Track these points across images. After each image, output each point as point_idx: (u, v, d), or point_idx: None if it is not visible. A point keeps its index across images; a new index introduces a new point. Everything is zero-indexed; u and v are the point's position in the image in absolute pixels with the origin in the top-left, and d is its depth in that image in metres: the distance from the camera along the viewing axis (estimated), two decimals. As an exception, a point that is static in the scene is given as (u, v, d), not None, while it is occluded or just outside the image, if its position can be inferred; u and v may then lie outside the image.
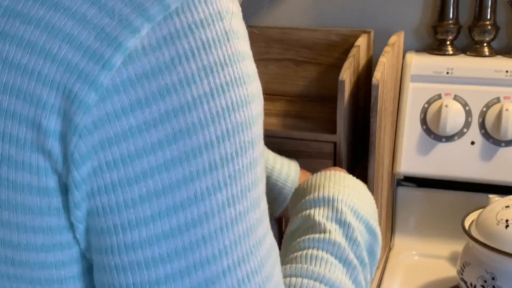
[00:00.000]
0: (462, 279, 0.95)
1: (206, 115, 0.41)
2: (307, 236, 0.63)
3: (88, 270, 0.46)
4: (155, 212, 0.41)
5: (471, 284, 0.93)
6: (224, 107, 0.42)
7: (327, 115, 1.14)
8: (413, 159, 1.12)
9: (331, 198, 0.67)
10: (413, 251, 1.16)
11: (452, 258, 1.10)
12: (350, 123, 1.06)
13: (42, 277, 0.45)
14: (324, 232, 0.63)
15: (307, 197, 0.69)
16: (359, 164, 1.13)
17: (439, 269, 1.09)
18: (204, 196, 0.42)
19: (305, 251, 0.61)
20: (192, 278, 0.42)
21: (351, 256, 0.62)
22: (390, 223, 1.19)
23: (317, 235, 0.62)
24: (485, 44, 1.15)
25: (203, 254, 0.42)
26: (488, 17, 1.15)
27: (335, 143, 1.03)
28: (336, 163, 1.03)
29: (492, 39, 1.15)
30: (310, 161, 1.04)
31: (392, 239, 1.19)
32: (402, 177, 1.18)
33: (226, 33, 0.43)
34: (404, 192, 1.19)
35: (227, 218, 0.43)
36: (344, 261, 0.61)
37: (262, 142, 0.47)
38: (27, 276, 0.45)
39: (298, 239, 0.63)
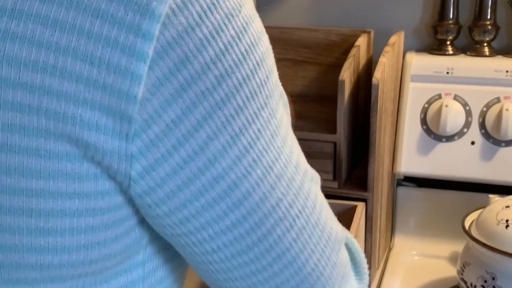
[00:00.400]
0: (462, 279, 0.95)
1: (238, 57, 0.45)
2: None
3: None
4: (220, 148, 0.46)
5: (471, 284, 0.93)
6: (249, 43, 0.47)
7: (327, 115, 1.14)
8: (413, 159, 1.12)
9: None
10: (413, 251, 1.16)
11: (452, 258, 1.10)
12: (350, 123, 1.06)
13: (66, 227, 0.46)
14: None
15: None
16: (359, 164, 1.13)
17: (439, 269, 1.09)
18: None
19: None
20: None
21: None
22: (390, 223, 1.19)
23: None
24: (485, 44, 1.15)
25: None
26: (488, 17, 1.14)
27: (335, 143, 1.03)
28: (336, 163, 1.03)
29: (492, 39, 1.15)
30: (310, 161, 1.04)
31: (392, 239, 1.19)
32: (402, 177, 1.18)
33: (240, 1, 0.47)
34: (404, 192, 1.19)
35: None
36: None
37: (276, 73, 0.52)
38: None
39: None
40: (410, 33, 1.23)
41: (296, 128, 1.08)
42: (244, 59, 0.46)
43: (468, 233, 0.94)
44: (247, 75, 0.46)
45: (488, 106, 1.09)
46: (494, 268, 0.90)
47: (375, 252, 1.05)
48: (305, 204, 0.52)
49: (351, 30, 1.22)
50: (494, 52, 1.15)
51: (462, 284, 0.95)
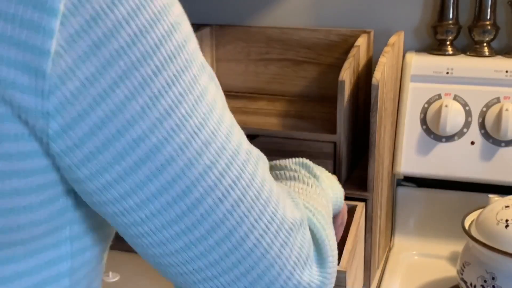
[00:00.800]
0: (462, 279, 0.95)
1: (152, 17, 0.46)
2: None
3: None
4: (138, 110, 0.46)
5: (471, 284, 0.93)
6: (161, 9, 0.47)
7: (327, 115, 1.14)
8: (413, 159, 1.13)
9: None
10: (413, 251, 1.16)
11: (452, 258, 1.10)
12: (350, 123, 1.06)
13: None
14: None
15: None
16: (359, 164, 1.13)
17: (439, 269, 1.09)
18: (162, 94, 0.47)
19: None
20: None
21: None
22: (390, 223, 1.19)
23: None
24: (485, 44, 1.15)
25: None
26: (488, 17, 1.15)
27: (335, 143, 1.03)
28: (336, 163, 1.03)
29: (492, 39, 1.15)
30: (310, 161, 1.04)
31: (392, 239, 1.20)
32: (402, 177, 1.18)
33: None
34: (404, 192, 1.20)
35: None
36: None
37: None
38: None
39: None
40: (410, 33, 1.23)
41: (296, 128, 1.08)
42: (158, 20, 0.46)
43: (468, 233, 0.95)
44: (163, 36, 0.47)
45: (488, 106, 1.09)
46: (494, 268, 0.91)
47: (375, 252, 1.05)
48: (241, 175, 0.51)
49: (351, 30, 1.22)
50: (494, 52, 1.15)
51: (462, 284, 0.95)
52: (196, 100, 0.49)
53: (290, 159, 0.74)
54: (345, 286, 0.82)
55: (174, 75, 0.47)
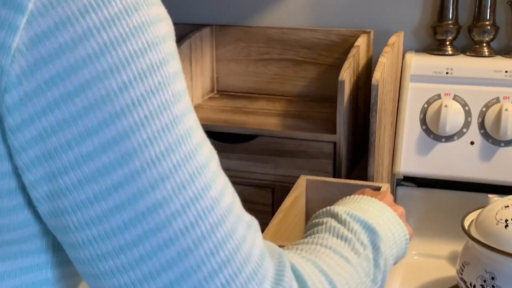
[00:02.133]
0: (462, 279, 0.95)
1: (125, 30, 0.44)
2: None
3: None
4: (95, 123, 0.44)
5: (470, 284, 0.93)
6: (141, 21, 0.45)
7: (327, 115, 1.14)
8: (412, 159, 1.13)
9: (333, 210, 0.69)
10: (413, 250, 1.16)
11: (452, 258, 1.10)
12: (350, 123, 1.06)
13: None
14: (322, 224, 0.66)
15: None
16: (359, 164, 1.13)
17: (438, 268, 1.09)
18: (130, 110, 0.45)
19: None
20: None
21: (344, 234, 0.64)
22: (390, 223, 1.19)
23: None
24: (484, 44, 1.15)
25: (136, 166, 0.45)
26: (488, 17, 1.15)
27: (335, 143, 1.03)
28: (336, 163, 1.03)
29: (492, 39, 1.16)
30: (310, 161, 1.05)
31: (391, 238, 1.20)
32: (402, 177, 1.18)
33: None
34: (404, 192, 1.20)
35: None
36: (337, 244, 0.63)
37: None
38: None
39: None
40: (409, 34, 1.23)
41: (296, 128, 1.08)
42: (133, 35, 0.44)
43: (467, 233, 0.95)
44: (135, 52, 0.44)
45: (488, 106, 1.10)
46: (493, 268, 0.91)
47: (374, 252, 1.06)
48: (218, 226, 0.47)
49: (351, 31, 1.22)
50: (494, 52, 1.15)
51: (462, 283, 0.95)
52: (163, 127, 0.45)
53: (357, 218, 0.67)
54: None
55: (141, 95, 0.44)
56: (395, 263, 0.72)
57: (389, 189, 0.98)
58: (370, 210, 0.71)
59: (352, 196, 0.77)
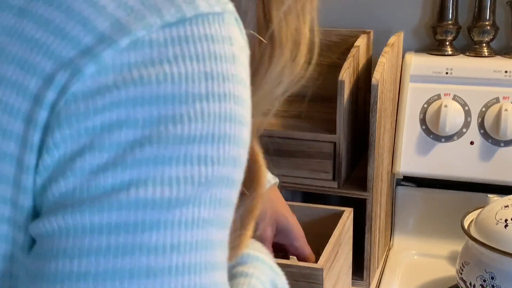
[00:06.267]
0: (461, 279, 0.95)
1: (196, 112, 0.42)
2: None
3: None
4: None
5: (470, 284, 0.93)
6: (217, 112, 0.43)
7: (327, 115, 1.14)
8: (412, 159, 1.13)
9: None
10: (413, 250, 1.16)
11: (451, 258, 1.10)
12: (350, 123, 1.06)
13: None
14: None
15: None
16: (358, 164, 1.13)
17: (438, 268, 1.10)
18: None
19: None
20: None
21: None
22: (390, 222, 1.19)
23: None
24: (484, 45, 1.16)
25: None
26: (487, 17, 1.15)
27: (335, 143, 1.03)
28: (335, 163, 1.03)
29: (491, 40, 1.16)
30: (310, 161, 1.05)
31: (391, 238, 1.20)
32: (402, 177, 1.18)
33: (233, 55, 0.44)
34: (404, 192, 1.20)
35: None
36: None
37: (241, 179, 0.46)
38: None
39: None
40: (409, 34, 1.23)
41: (296, 128, 1.08)
42: (201, 121, 0.42)
43: (467, 233, 0.95)
44: (194, 136, 0.42)
45: (487, 106, 1.10)
46: (493, 268, 0.91)
47: (374, 252, 1.06)
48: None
49: (350, 31, 1.22)
50: (493, 53, 1.16)
51: (461, 283, 0.95)
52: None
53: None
54: (322, 284, 0.83)
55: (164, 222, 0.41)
56: None
57: (351, 213, 0.98)
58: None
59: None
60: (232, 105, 0.43)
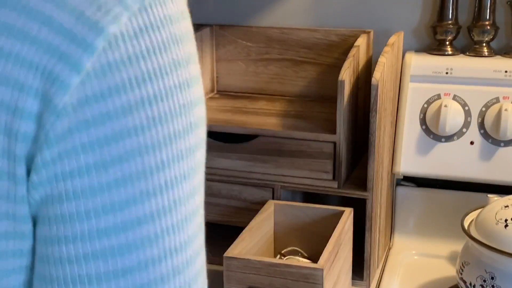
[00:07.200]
0: (461, 279, 0.95)
1: (175, 106, 0.43)
2: None
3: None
4: (123, 199, 0.41)
5: (470, 284, 0.93)
6: (189, 100, 0.44)
7: (327, 115, 1.14)
8: (412, 159, 1.13)
9: None
10: (413, 250, 1.16)
11: (452, 258, 1.10)
12: (350, 123, 1.06)
13: None
14: None
15: None
16: (358, 164, 1.13)
17: (438, 268, 1.10)
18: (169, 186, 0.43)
19: None
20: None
21: None
22: (390, 222, 1.19)
23: None
24: (484, 44, 1.16)
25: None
26: (488, 17, 1.15)
27: (335, 143, 1.03)
28: (335, 163, 1.03)
29: (491, 39, 1.16)
30: (310, 161, 1.05)
31: (391, 238, 1.20)
32: (402, 177, 1.18)
33: (190, 31, 0.46)
34: (404, 191, 1.20)
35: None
36: None
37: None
38: None
39: None
40: (409, 34, 1.23)
41: (296, 128, 1.08)
42: (180, 113, 0.43)
43: (467, 233, 0.95)
44: (179, 132, 0.43)
45: (487, 106, 1.10)
46: (493, 268, 0.91)
47: (374, 252, 1.06)
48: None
49: (350, 30, 1.22)
50: (493, 52, 1.16)
51: (461, 283, 0.95)
52: (187, 216, 0.44)
53: None
54: (322, 284, 0.83)
55: (175, 177, 0.43)
56: None
57: (351, 213, 0.99)
58: None
59: None
60: (199, 88, 0.45)
